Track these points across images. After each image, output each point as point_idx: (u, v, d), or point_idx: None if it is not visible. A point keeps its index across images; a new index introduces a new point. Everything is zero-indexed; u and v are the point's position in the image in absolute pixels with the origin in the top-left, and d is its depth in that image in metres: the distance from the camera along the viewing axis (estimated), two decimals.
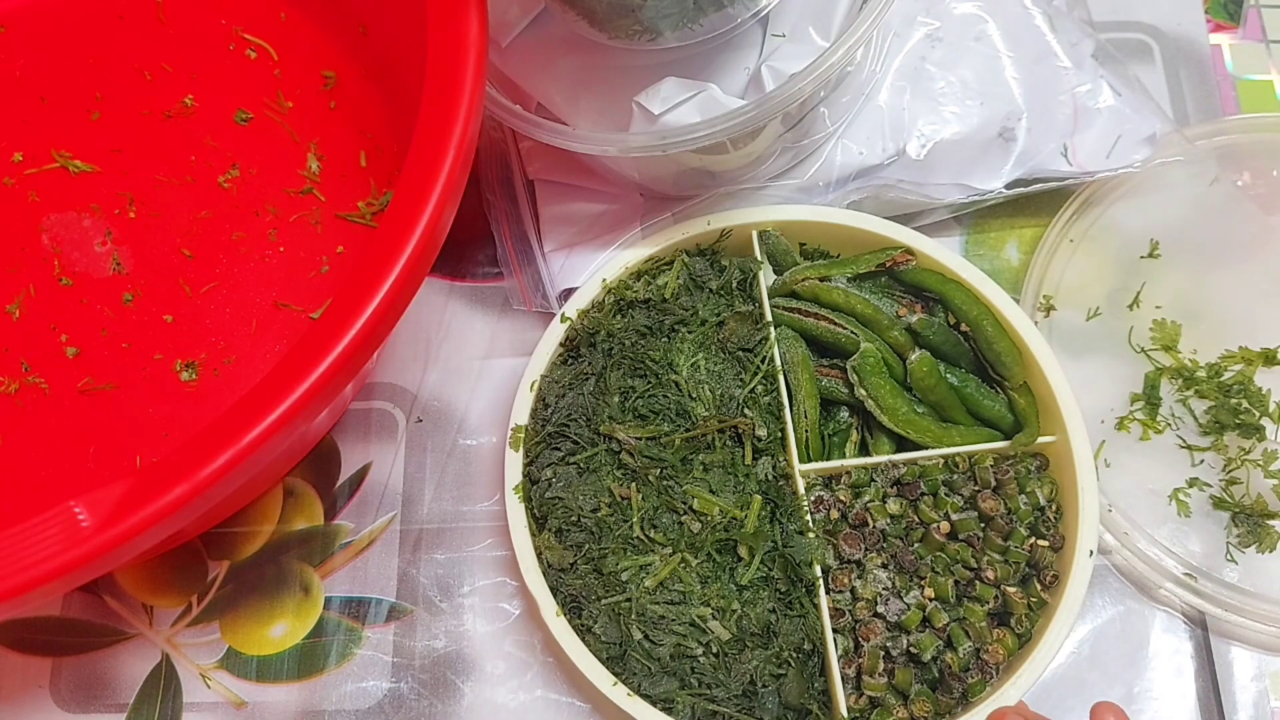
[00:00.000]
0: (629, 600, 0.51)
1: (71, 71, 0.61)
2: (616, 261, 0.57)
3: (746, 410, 0.54)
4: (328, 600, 0.56)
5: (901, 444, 0.56)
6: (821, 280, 0.57)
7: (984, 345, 0.56)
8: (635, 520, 0.52)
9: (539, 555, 0.52)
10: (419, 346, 0.61)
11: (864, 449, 0.57)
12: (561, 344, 0.56)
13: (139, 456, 0.53)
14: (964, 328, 0.57)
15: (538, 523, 0.53)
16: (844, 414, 0.57)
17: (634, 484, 0.53)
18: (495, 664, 0.55)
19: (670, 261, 0.58)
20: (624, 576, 0.51)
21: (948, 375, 0.57)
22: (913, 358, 0.56)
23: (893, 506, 0.54)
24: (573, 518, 0.53)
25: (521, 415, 0.55)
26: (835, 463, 0.55)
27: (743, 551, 0.52)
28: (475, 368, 0.61)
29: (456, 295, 0.62)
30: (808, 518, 0.52)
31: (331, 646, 0.56)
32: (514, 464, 0.54)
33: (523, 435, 0.54)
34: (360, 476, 0.59)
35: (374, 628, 0.56)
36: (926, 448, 0.55)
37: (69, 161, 0.59)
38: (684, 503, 0.52)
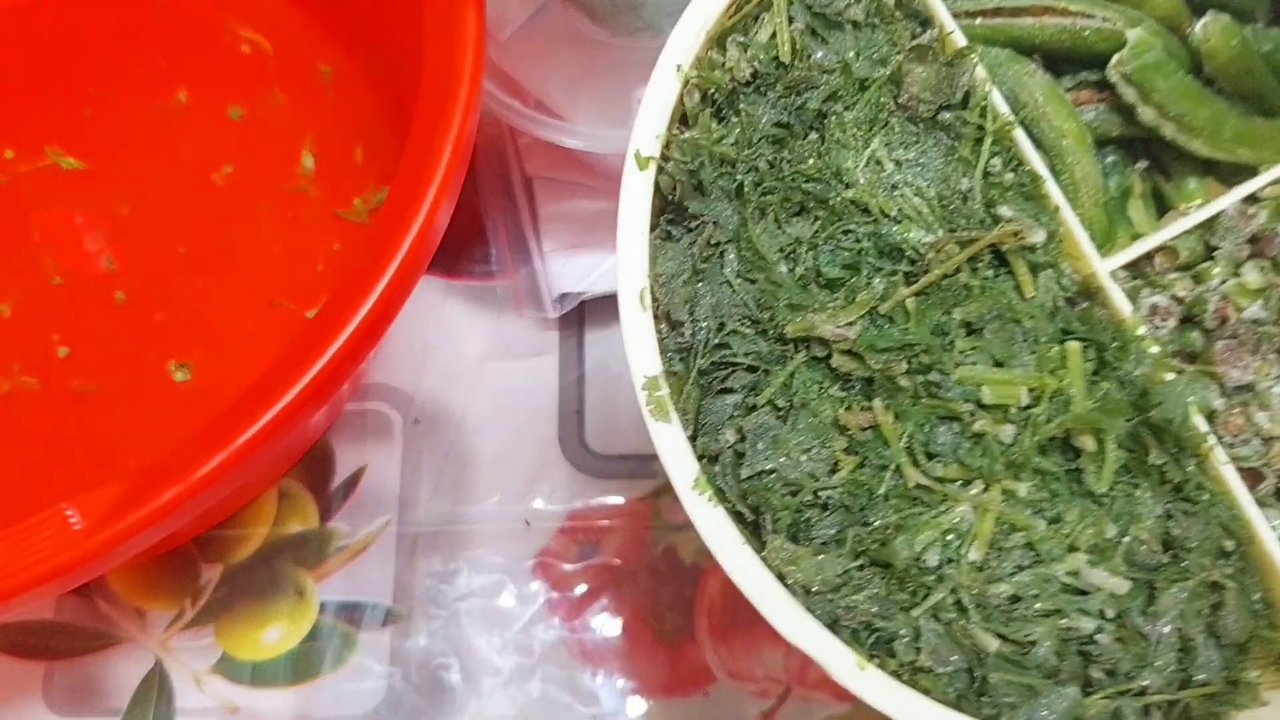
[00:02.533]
0: (953, 593, 0.33)
1: (63, 67, 0.61)
2: (683, 35, 0.38)
3: (995, 209, 0.35)
4: (323, 604, 0.56)
5: (1215, 177, 0.38)
6: None
7: None
8: (902, 460, 0.34)
9: (783, 582, 0.33)
10: (415, 346, 0.61)
11: (1158, 204, 0.39)
12: (654, 214, 0.37)
13: (132, 458, 0.53)
14: None
15: (750, 529, 0.35)
16: (1107, 160, 0.39)
17: (874, 401, 0.34)
18: (493, 668, 0.55)
19: (767, 1, 0.37)
20: (927, 559, 0.33)
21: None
22: (1203, 24, 0.36)
23: (1252, 278, 0.36)
24: (805, 495, 0.34)
25: (646, 358, 0.35)
26: (1150, 239, 0.36)
27: (1084, 442, 0.34)
28: (474, 368, 0.60)
29: (454, 294, 0.62)
30: (1152, 346, 0.35)
31: (326, 651, 0.55)
32: (673, 442, 0.34)
33: (665, 391, 0.34)
34: (355, 479, 0.58)
35: (370, 631, 0.55)
36: (1262, 168, 0.36)
37: (60, 158, 0.59)
38: (966, 400, 0.34)
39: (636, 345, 0.35)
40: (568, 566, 0.56)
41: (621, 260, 0.36)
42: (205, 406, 0.54)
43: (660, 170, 0.37)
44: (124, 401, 0.54)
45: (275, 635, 0.56)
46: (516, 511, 0.57)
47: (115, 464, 0.53)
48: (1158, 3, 0.38)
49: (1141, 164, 0.38)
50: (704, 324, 0.36)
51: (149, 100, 0.60)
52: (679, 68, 0.37)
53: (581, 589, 0.56)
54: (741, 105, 0.37)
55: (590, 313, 0.60)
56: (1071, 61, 0.38)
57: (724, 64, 0.37)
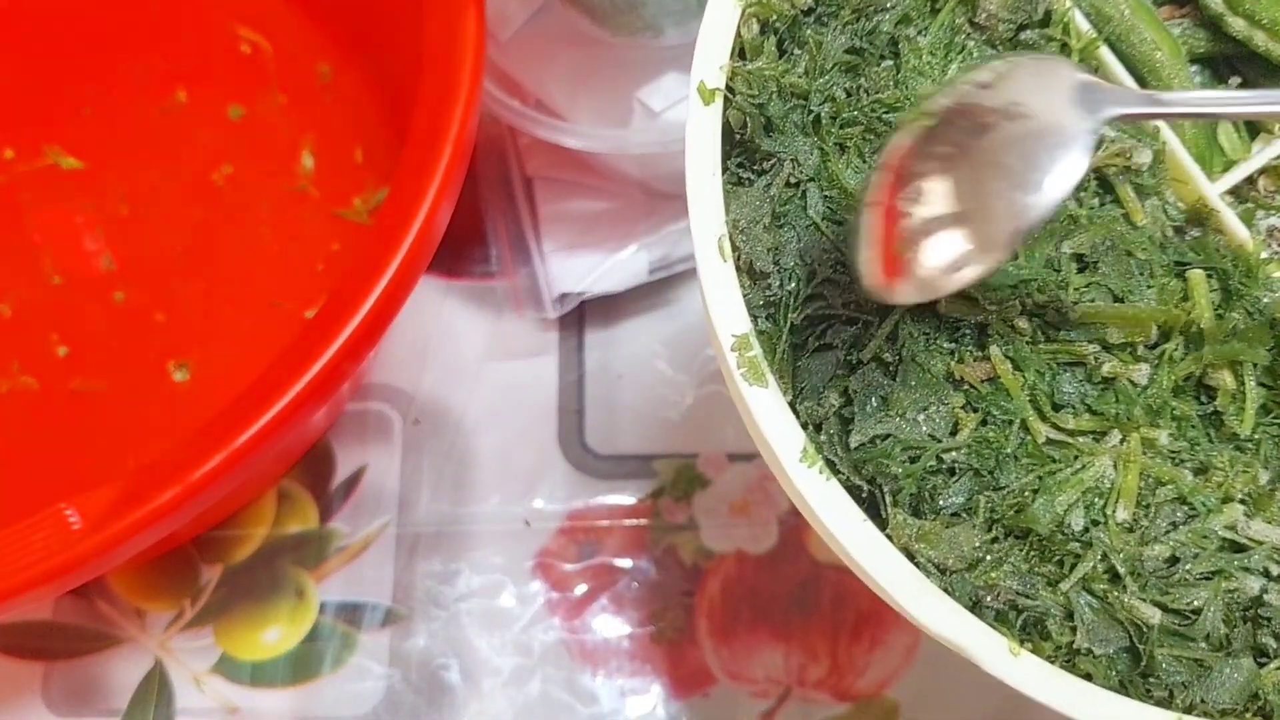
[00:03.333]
0: (1104, 559, 0.30)
1: (63, 67, 0.61)
2: None
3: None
4: (322, 605, 0.56)
5: None
6: None
7: None
8: (1029, 414, 0.31)
9: (915, 561, 0.30)
10: (415, 346, 0.61)
11: (1249, 128, 0.36)
12: (726, 160, 0.34)
13: (132, 458, 0.53)
14: None
15: (865, 503, 0.31)
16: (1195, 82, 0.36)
17: (990, 349, 0.31)
18: (493, 668, 0.55)
19: None
20: (1071, 522, 0.30)
21: None
22: None
23: None
24: (928, 460, 0.30)
25: (733, 314, 0.31)
26: (1257, 158, 0.34)
27: (1221, 379, 0.31)
28: (474, 368, 0.60)
29: (454, 294, 0.62)
30: (1277, 270, 0.32)
31: (326, 651, 0.55)
32: (772, 409, 0.30)
33: (758, 350, 0.31)
34: (355, 479, 0.58)
35: (369, 632, 0.55)
36: None
37: (60, 158, 0.59)
38: (1090, 340, 0.31)
39: (720, 300, 0.31)
40: (568, 566, 0.56)
41: (694, 206, 0.32)
42: (205, 406, 0.54)
43: (727, 106, 0.33)
44: (124, 401, 0.54)
45: (275, 636, 0.55)
46: (516, 512, 0.57)
47: (115, 464, 0.53)
48: None
49: (1234, 81, 0.36)
50: (793, 273, 0.32)
51: (149, 100, 0.60)
52: None
53: (581, 589, 0.56)
54: (808, 33, 0.34)
55: (590, 313, 0.60)
56: None
57: None
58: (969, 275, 0.29)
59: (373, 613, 0.56)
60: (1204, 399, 0.32)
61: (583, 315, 0.60)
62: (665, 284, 0.60)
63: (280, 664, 0.55)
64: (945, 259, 0.28)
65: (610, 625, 0.55)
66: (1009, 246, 0.28)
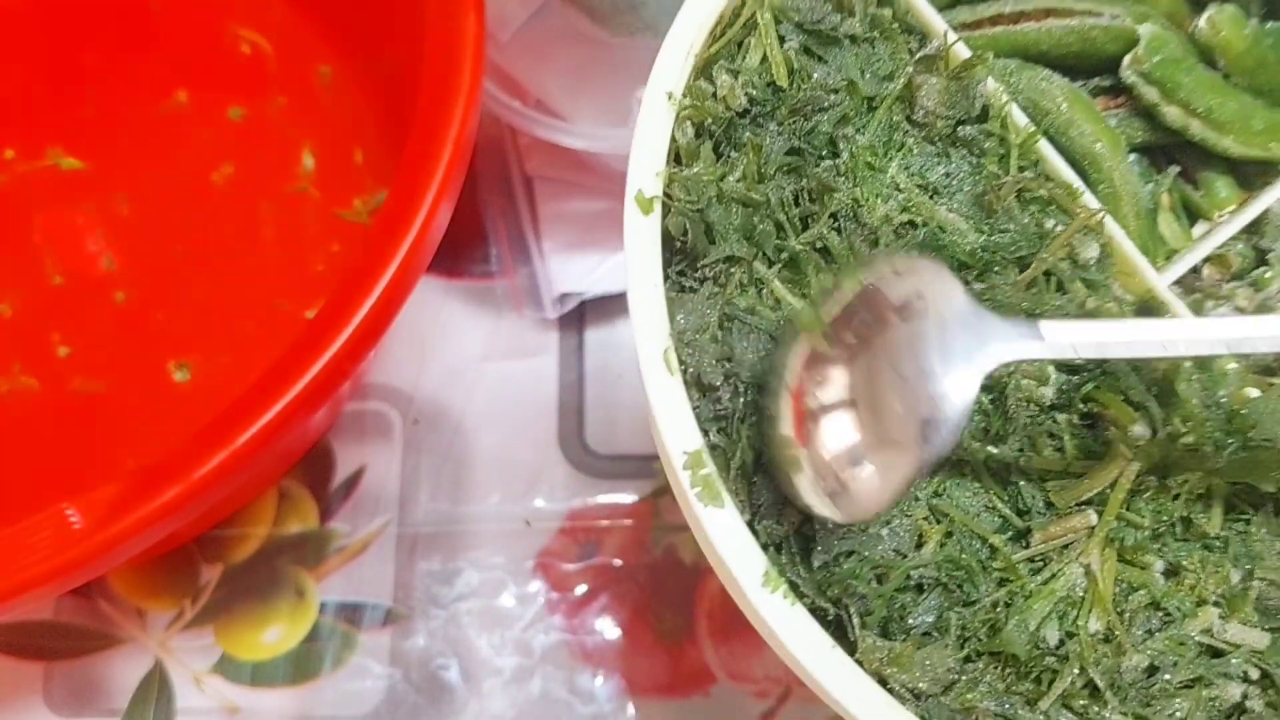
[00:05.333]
0: (1082, 673, 0.29)
1: (63, 67, 0.61)
2: (670, 58, 0.33)
3: (1042, 225, 0.32)
4: (322, 604, 0.56)
5: (1236, 180, 0.35)
6: None
7: None
8: (987, 536, 0.30)
9: (888, 687, 0.28)
10: (415, 346, 0.61)
11: (1187, 214, 0.36)
12: (666, 268, 0.32)
13: (132, 458, 0.53)
14: None
15: (832, 625, 0.29)
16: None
17: (942, 497, 0.31)
18: (493, 668, 0.55)
19: (750, 21, 0.34)
20: (1047, 635, 0.29)
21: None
22: (1209, 17, 0.34)
23: None
24: (898, 581, 0.29)
25: (684, 431, 0.29)
26: (1202, 247, 0.33)
27: (1180, 482, 0.31)
28: (474, 368, 0.60)
29: (454, 294, 0.62)
30: (1230, 363, 0.31)
31: (326, 651, 0.55)
32: (730, 531, 0.29)
33: (711, 469, 0.29)
34: (355, 479, 0.58)
35: (370, 632, 0.55)
36: None
37: (60, 158, 0.59)
38: (1038, 492, 0.31)
39: (669, 416, 0.29)
40: (568, 566, 0.56)
41: (636, 319, 0.30)
42: (205, 406, 0.54)
43: (666, 213, 0.32)
44: (124, 401, 0.54)
45: (275, 635, 0.55)
46: (516, 511, 0.57)
47: (115, 464, 0.53)
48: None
49: (1173, 169, 0.36)
50: (746, 383, 0.30)
51: (149, 101, 0.60)
52: (670, 95, 0.33)
53: (581, 589, 0.56)
54: (745, 135, 0.33)
55: (590, 313, 0.60)
56: (1080, 70, 0.36)
57: (715, 93, 0.33)
58: (873, 477, 0.27)
59: (373, 612, 0.56)
60: (1171, 498, 0.31)
61: (583, 315, 0.60)
62: None
63: (280, 664, 0.55)
64: (842, 446, 0.28)
65: (610, 625, 0.55)
66: (911, 461, 0.27)
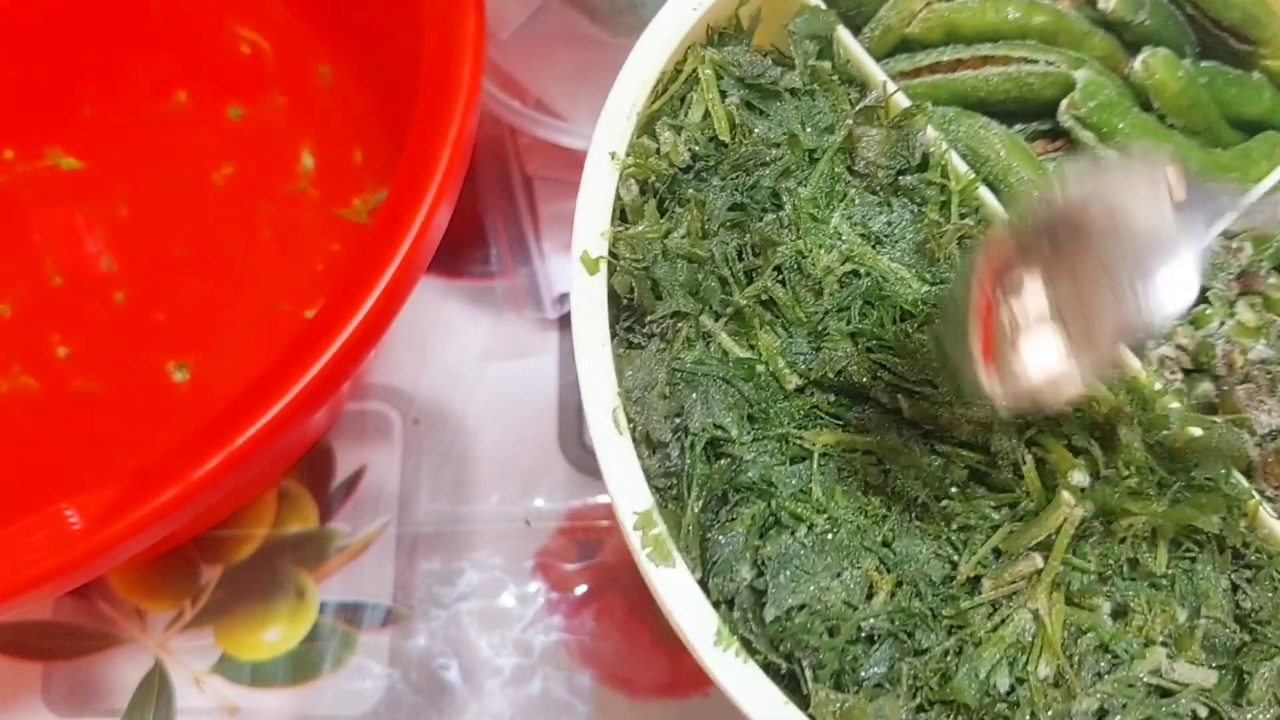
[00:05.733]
0: (1031, 718, 0.29)
1: (63, 67, 0.61)
2: (612, 118, 0.34)
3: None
4: (322, 605, 0.56)
5: None
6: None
7: (1216, 6, 0.36)
8: (964, 553, 0.30)
9: None
10: (415, 346, 0.61)
11: None
12: (614, 324, 0.33)
13: (132, 458, 0.53)
14: None
15: (785, 680, 0.29)
16: None
17: (899, 508, 0.31)
18: (493, 668, 0.55)
19: (692, 76, 0.34)
20: (996, 683, 0.29)
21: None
22: (1144, 60, 0.35)
23: (1247, 316, 0.34)
24: (849, 634, 0.29)
25: (634, 491, 0.30)
26: None
27: (1125, 526, 0.31)
28: (473, 368, 0.60)
29: (454, 294, 0.62)
30: (1173, 402, 0.32)
31: (326, 651, 0.55)
32: (681, 591, 0.30)
33: (662, 528, 0.29)
34: (355, 479, 0.58)
35: (369, 632, 0.55)
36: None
37: (60, 159, 0.59)
38: (1011, 470, 0.31)
39: (619, 476, 0.29)
40: (568, 566, 0.56)
41: (584, 379, 0.31)
42: (205, 406, 0.54)
43: (612, 271, 0.32)
44: (124, 401, 0.54)
45: (275, 636, 0.55)
46: (516, 511, 0.57)
47: (115, 464, 0.53)
48: (1095, 44, 0.36)
49: None
50: (697, 439, 0.30)
51: (149, 101, 0.60)
52: (613, 155, 0.33)
53: (581, 589, 0.56)
54: (689, 191, 0.33)
55: None
56: (1018, 114, 0.36)
57: (659, 149, 0.34)
58: (1065, 386, 0.28)
59: (373, 612, 0.56)
60: (1116, 539, 0.31)
61: None
62: None
63: (280, 664, 0.55)
64: (1043, 359, 0.27)
65: (610, 626, 0.55)
66: (1108, 359, 0.27)
